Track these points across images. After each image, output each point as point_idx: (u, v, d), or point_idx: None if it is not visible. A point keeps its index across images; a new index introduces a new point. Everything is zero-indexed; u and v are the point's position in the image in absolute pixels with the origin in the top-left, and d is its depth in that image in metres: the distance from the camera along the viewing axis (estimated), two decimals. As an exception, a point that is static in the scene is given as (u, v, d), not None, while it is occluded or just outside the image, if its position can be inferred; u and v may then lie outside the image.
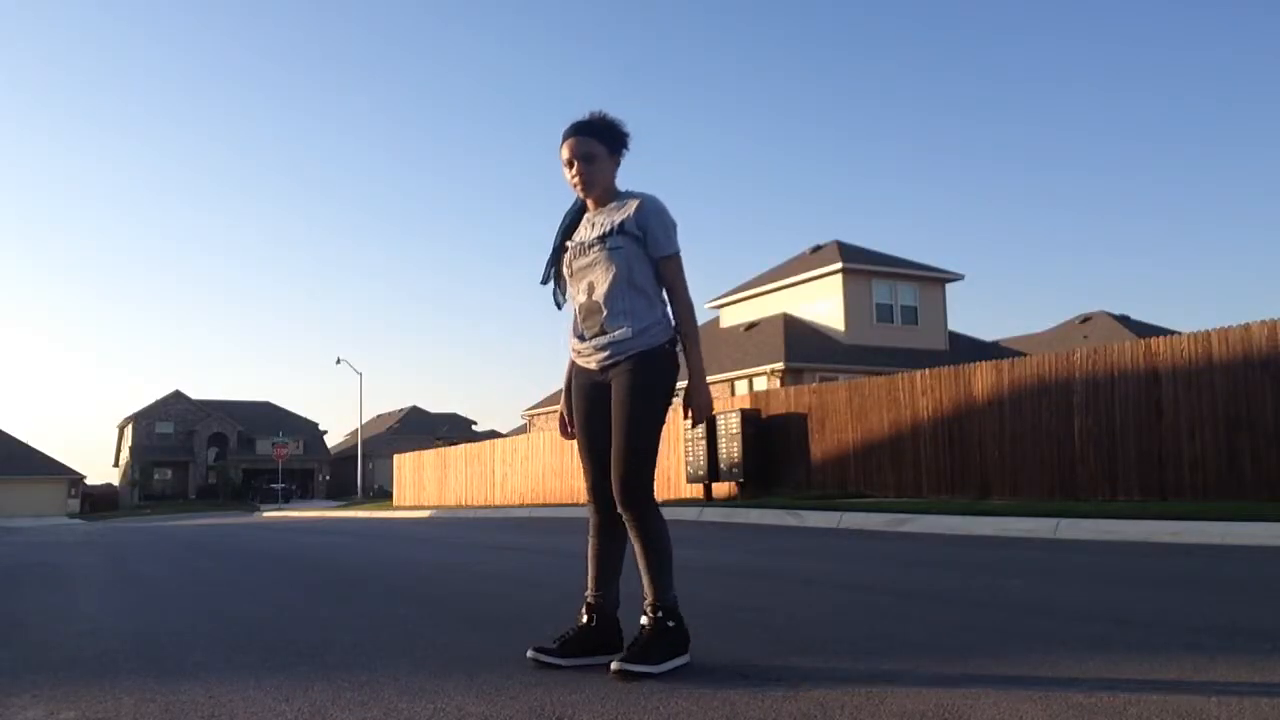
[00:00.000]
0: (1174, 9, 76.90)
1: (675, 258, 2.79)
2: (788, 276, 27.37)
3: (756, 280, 29.11)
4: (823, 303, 26.11)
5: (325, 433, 70.19)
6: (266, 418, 67.98)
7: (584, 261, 2.81)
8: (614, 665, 2.54)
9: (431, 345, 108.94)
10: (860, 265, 26.15)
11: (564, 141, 2.81)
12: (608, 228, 2.77)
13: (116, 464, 71.17)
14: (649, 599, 2.67)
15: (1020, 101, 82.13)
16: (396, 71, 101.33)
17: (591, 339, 2.79)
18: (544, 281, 2.95)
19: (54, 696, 2.55)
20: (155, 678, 2.77)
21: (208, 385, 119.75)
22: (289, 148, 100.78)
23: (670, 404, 2.78)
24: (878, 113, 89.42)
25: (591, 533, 2.85)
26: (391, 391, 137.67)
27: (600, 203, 2.85)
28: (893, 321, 26.28)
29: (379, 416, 75.74)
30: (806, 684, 2.44)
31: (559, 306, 2.95)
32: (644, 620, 2.66)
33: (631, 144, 2.85)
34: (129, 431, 65.04)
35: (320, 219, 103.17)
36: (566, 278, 2.88)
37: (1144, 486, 10.22)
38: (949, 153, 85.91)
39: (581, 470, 2.92)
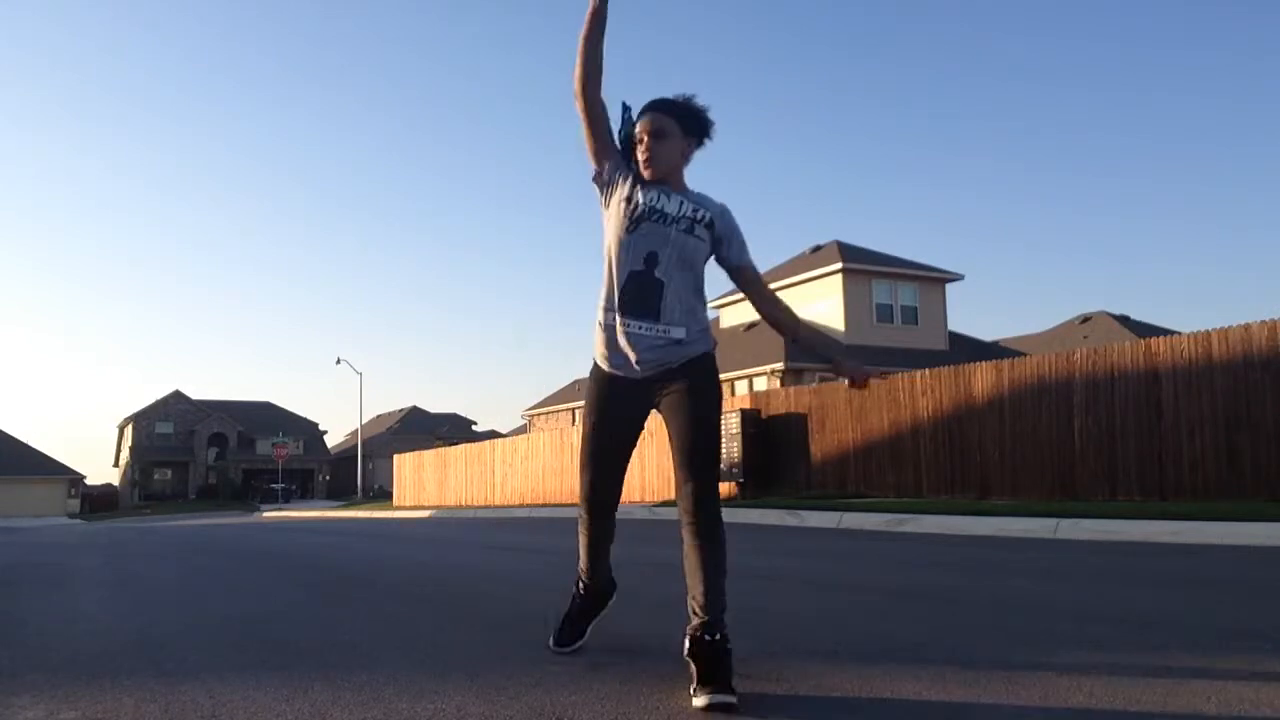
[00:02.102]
0: (1174, 9, 76.94)
1: (754, 268, 2.74)
2: (788, 276, 27.38)
3: (756, 280, 29.06)
4: (823, 303, 26.12)
5: (325, 433, 70.22)
6: (266, 418, 67.97)
7: (652, 230, 2.56)
8: (702, 701, 2.22)
9: (431, 345, 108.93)
10: (860, 265, 26.16)
11: (639, 117, 2.65)
12: (693, 214, 2.59)
13: (116, 464, 71.18)
14: (710, 616, 2.38)
15: (1020, 101, 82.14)
16: (396, 71, 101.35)
17: (642, 327, 2.55)
18: (600, 167, 2.70)
19: (54, 696, 2.55)
20: (155, 678, 2.76)
21: (208, 385, 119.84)
22: (289, 147, 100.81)
23: None
24: (878, 112, 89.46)
25: (588, 533, 2.81)
26: (391, 391, 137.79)
27: (664, 184, 2.64)
28: (893, 321, 26.29)
29: (379, 416, 75.74)
30: (806, 684, 2.44)
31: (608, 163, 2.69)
32: (706, 639, 2.35)
33: (713, 134, 2.69)
34: (129, 431, 65.04)
35: (320, 219, 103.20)
36: (621, 222, 2.60)
37: (1144, 486, 10.22)
38: (949, 153, 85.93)
39: (580, 472, 2.74)
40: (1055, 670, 2.54)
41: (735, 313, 29.22)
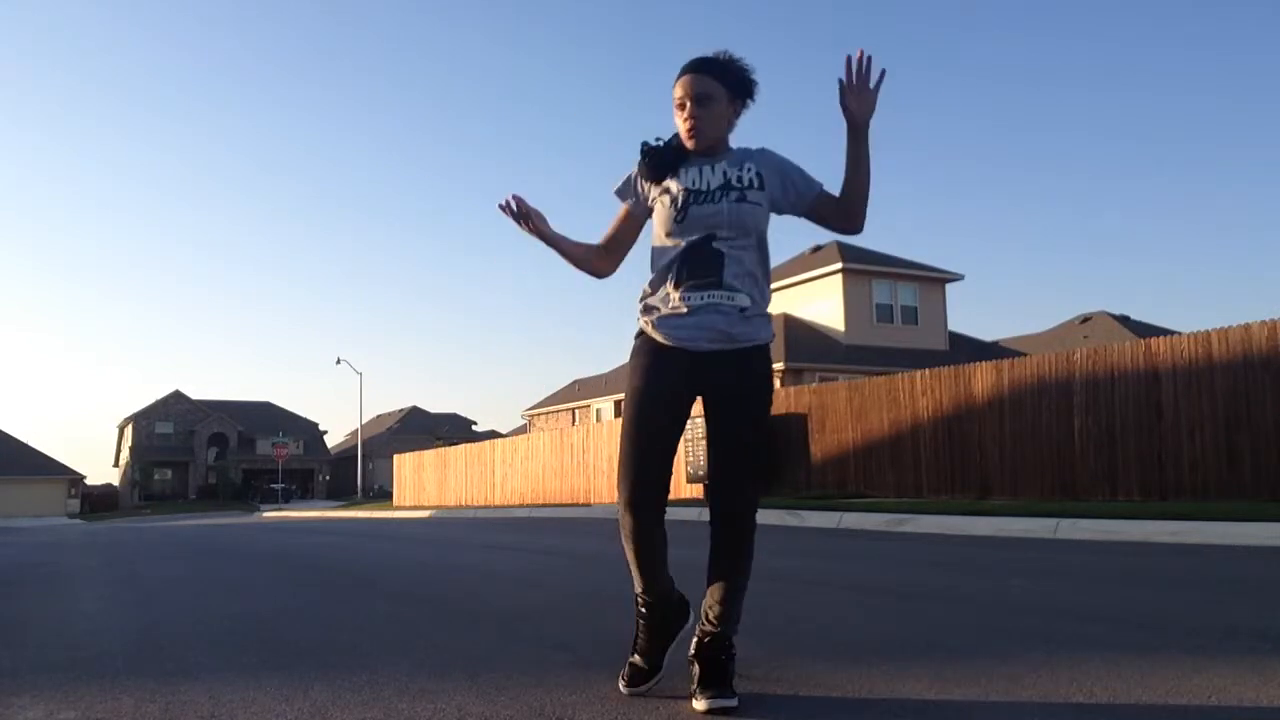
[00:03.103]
0: (1174, 9, 76.94)
1: (824, 188, 2.43)
2: (788, 276, 27.36)
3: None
4: (823, 303, 26.11)
5: (325, 433, 70.23)
6: (266, 418, 67.96)
7: (701, 212, 2.33)
8: (703, 705, 2.19)
9: (431, 345, 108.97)
10: (860, 265, 26.14)
11: (679, 79, 2.37)
12: (740, 180, 2.35)
13: (116, 464, 71.17)
14: (723, 629, 2.31)
15: (1020, 101, 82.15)
16: (396, 71, 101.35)
17: (704, 295, 2.31)
18: (621, 191, 2.51)
19: (54, 696, 2.55)
20: (155, 678, 2.76)
21: (208, 385, 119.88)
22: (289, 147, 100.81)
23: None
24: (877, 112, 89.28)
25: (635, 540, 2.38)
26: (391, 391, 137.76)
27: (710, 154, 2.40)
28: (893, 321, 26.27)
29: (379, 416, 75.72)
30: (807, 684, 2.44)
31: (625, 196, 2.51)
32: (713, 641, 2.30)
33: (758, 95, 2.42)
34: (129, 431, 65.04)
35: (320, 219, 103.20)
36: (667, 215, 2.38)
37: (1144, 486, 10.22)
38: (949, 153, 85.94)
39: (623, 462, 2.35)
40: (1055, 670, 2.54)
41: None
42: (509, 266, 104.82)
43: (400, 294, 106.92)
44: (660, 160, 2.42)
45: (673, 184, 2.40)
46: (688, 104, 2.36)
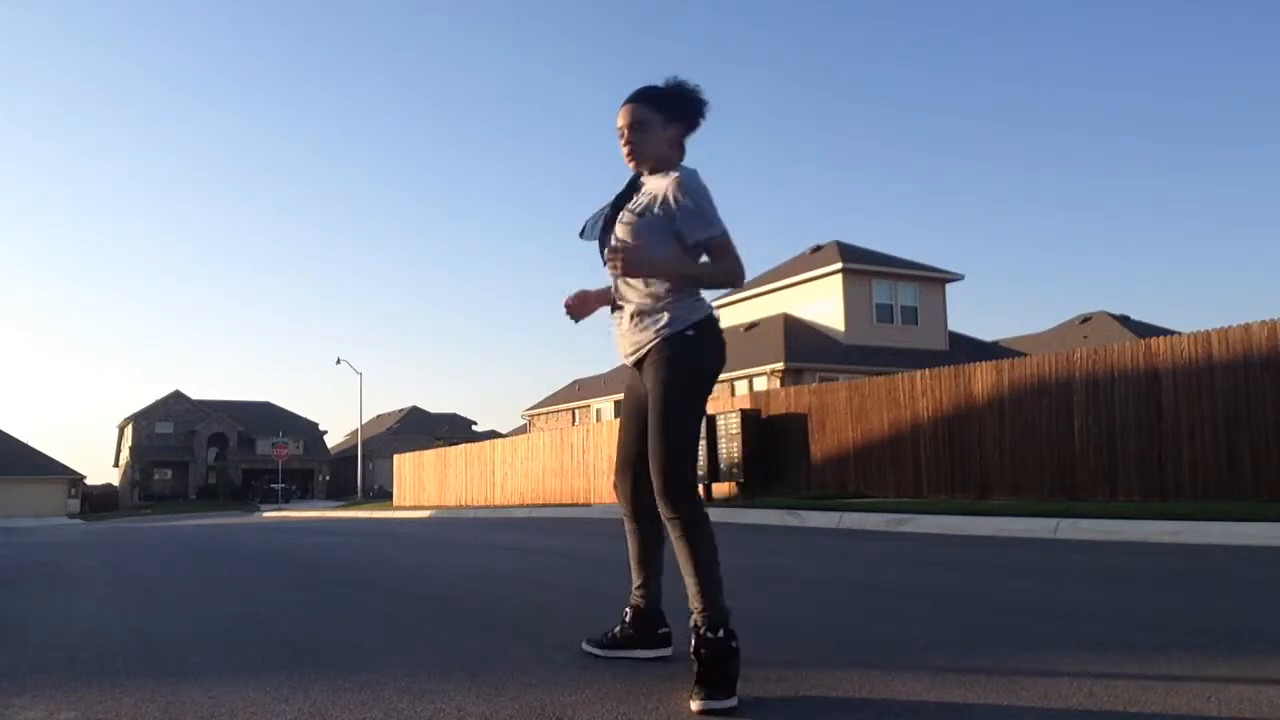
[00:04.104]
0: (1174, 9, 76.90)
1: (719, 240, 2.47)
2: (788, 276, 27.37)
3: (756, 280, 29.10)
4: (823, 303, 26.12)
5: (325, 433, 70.25)
6: (266, 418, 67.97)
7: (608, 238, 2.62)
8: (696, 706, 2.20)
9: (431, 345, 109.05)
10: (860, 265, 26.15)
11: (618, 111, 2.60)
12: (643, 202, 2.55)
13: (116, 464, 71.17)
14: (700, 606, 2.37)
15: (1020, 101, 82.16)
16: (397, 70, 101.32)
17: (618, 322, 2.65)
18: (580, 235, 2.72)
19: (54, 696, 2.55)
20: (155, 678, 2.76)
21: (208, 385, 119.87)
22: (289, 147, 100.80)
23: (706, 393, 2.55)
24: (878, 113, 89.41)
25: (626, 531, 2.80)
26: (391, 391, 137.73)
27: (654, 174, 2.60)
28: (893, 321, 26.28)
29: (379, 416, 75.74)
30: (807, 684, 2.44)
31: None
32: (704, 637, 2.32)
33: (705, 111, 2.60)
34: (129, 431, 65.04)
35: (320, 218, 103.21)
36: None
37: (1144, 487, 10.22)
38: (949, 153, 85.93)
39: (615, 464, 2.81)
40: (1055, 670, 2.54)
41: (735, 312, 29.22)
42: (509, 266, 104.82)
43: (400, 294, 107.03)
44: (628, 192, 2.66)
45: (601, 214, 2.68)
46: (625, 131, 2.58)
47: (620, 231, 2.55)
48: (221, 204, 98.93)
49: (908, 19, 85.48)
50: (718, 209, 2.50)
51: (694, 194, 2.47)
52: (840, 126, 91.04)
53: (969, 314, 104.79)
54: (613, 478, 2.80)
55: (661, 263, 2.48)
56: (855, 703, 2.25)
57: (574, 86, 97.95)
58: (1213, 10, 75.22)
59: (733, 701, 2.21)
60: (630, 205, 2.57)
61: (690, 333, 2.49)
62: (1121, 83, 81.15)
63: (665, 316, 2.51)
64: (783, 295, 27.42)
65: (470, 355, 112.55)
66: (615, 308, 2.65)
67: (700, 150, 2.66)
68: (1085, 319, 40.05)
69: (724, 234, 2.49)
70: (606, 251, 2.49)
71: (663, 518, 2.47)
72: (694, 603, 2.39)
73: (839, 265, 25.63)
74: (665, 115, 2.57)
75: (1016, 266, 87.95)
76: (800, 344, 24.43)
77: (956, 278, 27.42)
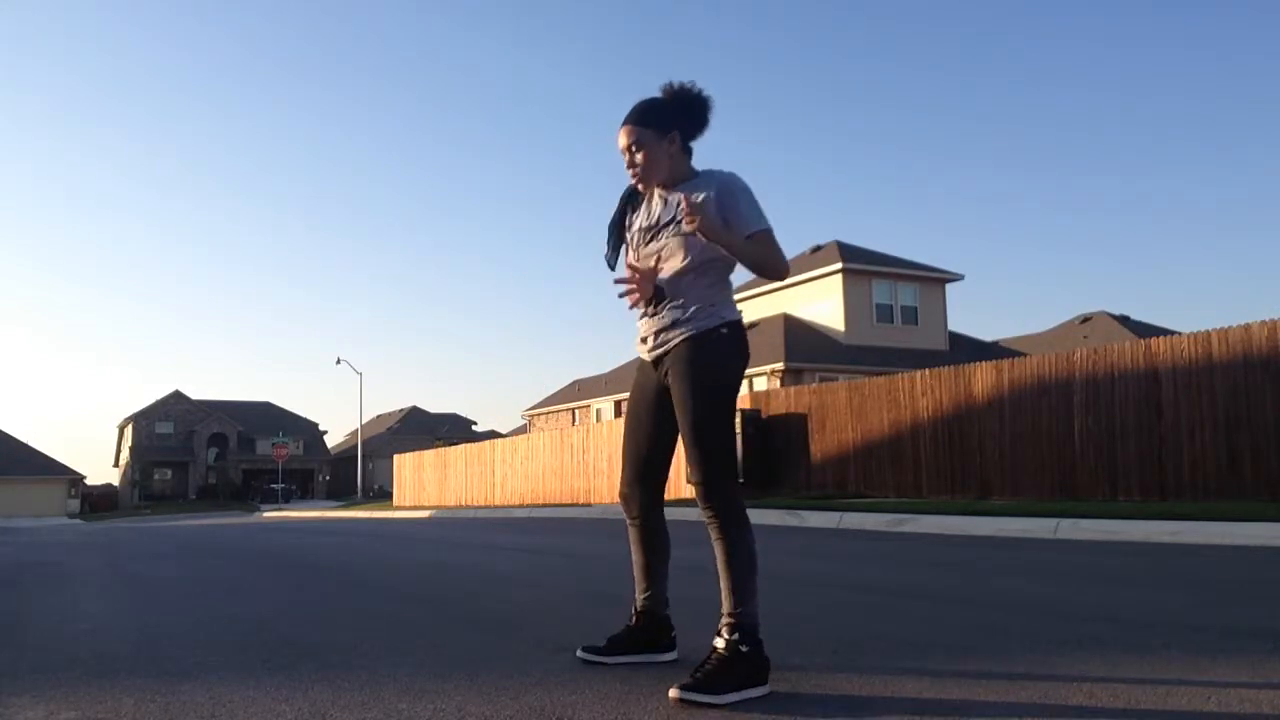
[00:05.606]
0: (1174, 9, 76.90)
1: (765, 233, 2.51)
2: (787, 276, 27.36)
3: (757, 280, 29.06)
4: (823, 303, 26.11)
5: (325, 433, 70.26)
6: (266, 418, 67.98)
7: (655, 246, 2.60)
8: (673, 693, 2.26)
9: (431, 345, 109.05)
10: (860, 265, 26.14)
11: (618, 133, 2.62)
12: (677, 213, 2.54)
13: (116, 464, 71.18)
14: (725, 612, 2.39)
15: (1020, 101, 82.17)
16: (397, 70, 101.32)
17: (644, 320, 2.63)
18: (613, 266, 2.72)
19: (54, 696, 2.55)
20: (155, 678, 2.76)
21: (208, 385, 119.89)
22: (288, 147, 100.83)
23: (738, 392, 2.57)
24: (878, 113, 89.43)
25: (631, 537, 2.76)
26: (391, 391, 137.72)
27: (669, 188, 2.62)
28: (893, 321, 26.28)
29: (379, 416, 75.75)
30: (806, 684, 2.44)
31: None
32: (717, 641, 2.36)
33: (707, 111, 2.59)
34: (129, 431, 65.04)
35: (320, 219, 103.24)
36: (630, 237, 2.71)
37: (1144, 486, 10.22)
38: (949, 153, 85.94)
39: (621, 464, 2.74)
40: (1055, 670, 2.54)
41: (735, 313, 29.15)
42: (509, 266, 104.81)
43: (400, 294, 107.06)
44: (632, 201, 2.73)
45: (635, 219, 2.70)
46: (625, 155, 2.60)
47: (687, 242, 2.53)
48: (221, 204, 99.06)
49: (908, 19, 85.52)
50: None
51: (745, 192, 2.53)
52: (840, 126, 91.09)
53: (969, 314, 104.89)
54: (621, 486, 2.74)
55: (727, 232, 2.46)
56: (855, 702, 2.25)
57: (574, 86, 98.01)
58: (1213, 10, 75.27)
59: (717, 699, 2.21)
60: (675, 216, 2.56)
61: (724, 330, 2.53)
62: (1121, 83, 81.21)
63: (701, 311, 2.53)
64: (783, 295, 27.41)
65: (470, 355, 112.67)
66: (648, 303, 2.61)
67: (700, 150, 2.66)
68: (1085, 319, 40.03)
69: (771, 229, 2.54)
70: (685, 204, 2.46)
71: (704, 517, 2.47)
72: (724, 604, 2.40)
73: (839, 265, 25.63)
74: (658, 129, 2.57)
75: (1016, 266, 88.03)
76: (800, 344, 24.43)
77: (956, 278, 27.42)
